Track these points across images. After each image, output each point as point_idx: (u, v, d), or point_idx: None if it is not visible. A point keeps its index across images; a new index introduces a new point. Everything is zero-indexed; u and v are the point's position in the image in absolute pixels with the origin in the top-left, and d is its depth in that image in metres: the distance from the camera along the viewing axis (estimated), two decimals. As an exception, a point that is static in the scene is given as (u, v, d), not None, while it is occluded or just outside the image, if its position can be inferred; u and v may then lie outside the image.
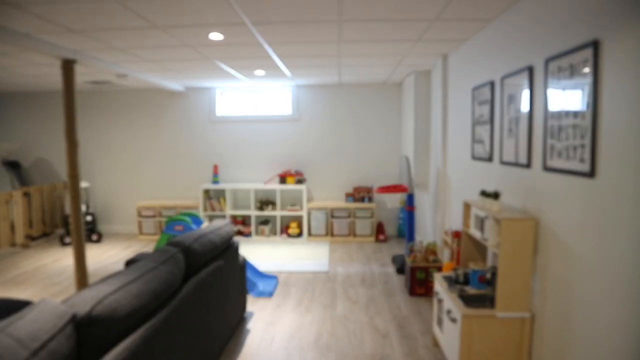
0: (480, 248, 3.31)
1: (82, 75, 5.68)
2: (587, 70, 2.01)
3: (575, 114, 2.11)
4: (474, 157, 3.71)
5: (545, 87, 2.42)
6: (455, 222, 4.35)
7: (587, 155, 2.02)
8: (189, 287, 2.45)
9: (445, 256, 4.68)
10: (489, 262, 3.30)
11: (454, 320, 2.74)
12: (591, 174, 1.99)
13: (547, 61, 2.39)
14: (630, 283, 1.77)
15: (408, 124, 6.16)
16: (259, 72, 5.68)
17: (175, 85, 6.66)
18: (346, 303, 4.21)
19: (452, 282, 3.11)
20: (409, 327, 3.67)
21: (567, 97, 2.20)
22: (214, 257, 3.06)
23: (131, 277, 2.01)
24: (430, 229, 5.54)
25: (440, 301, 3.12)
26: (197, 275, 2.65)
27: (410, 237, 5.12)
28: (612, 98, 1.86)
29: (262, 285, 4.55)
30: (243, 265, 3.72)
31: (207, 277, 2.74)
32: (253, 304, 4.18)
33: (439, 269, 4.29)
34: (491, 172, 3.33)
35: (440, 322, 3.13)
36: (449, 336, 2.86)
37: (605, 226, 1.92)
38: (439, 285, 3.15)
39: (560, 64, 2.26)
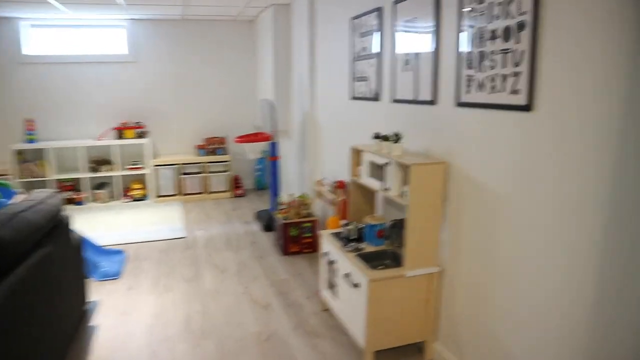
0: (369, 199, 2.99)
1: None
2: (523, -20, 1.67)
3: (507, 36, 1.78)
4: (355, 97, 3.31)
5: (460, 5, 2.06)
6: (331, 171, 3.98)
7: (523, 85, 1.71)
8: (-7, 296, 1.59)
9: (317, 209, 4.34)
10: (379, 213, 3.01)
11: (356, 285, 2.37)
12: (527, 107, 1.70)
13: (461, -24, 2.02)
14: (567, 227, 1.54)
15: (266, 66, 5.53)
16: (77, -6, 4.40)
17: (-51, 7, 4.87)
18: (214, 273, 3.61)
19: (343, 239, 2.73)
20: (291, 292, 3.25)
21: (495, 14, 1.86)
22: (37, 244, 2.15)
23: None
24: (295, 180, 5.13)
25: (331, 263, 2.73)
26: (11, 275, 1.78)
27: (276, 190, 4.66)
28: (556, 11, 1.55)
29: (105, 264, 3.65)
30: (79, 246, 2.81)
31: (26, 275, 1.87)
32: (98, 290, 3.31)
33: (313, 223, 3.93)
34: (379, 113, 2.97)
35: (332, 286, 2.75)
36: (349, 302, 2.49)
37: (540, 166, 1.66)
38: (329, 244, 2.74)
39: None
